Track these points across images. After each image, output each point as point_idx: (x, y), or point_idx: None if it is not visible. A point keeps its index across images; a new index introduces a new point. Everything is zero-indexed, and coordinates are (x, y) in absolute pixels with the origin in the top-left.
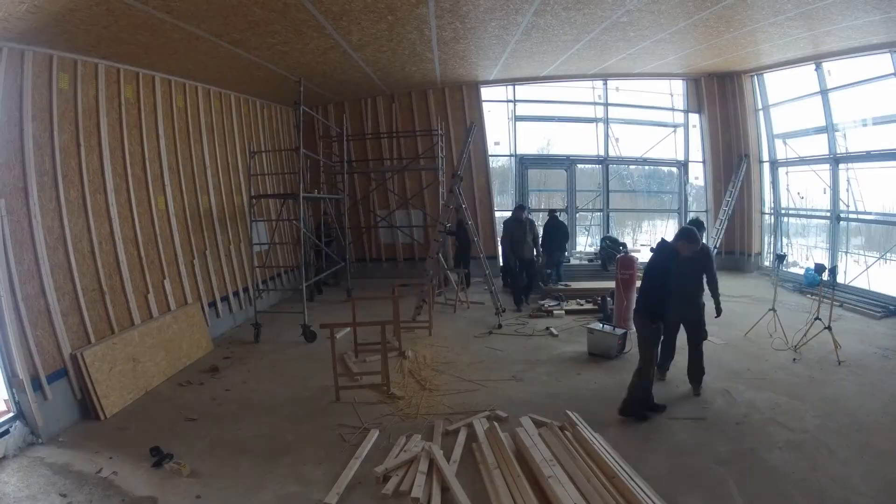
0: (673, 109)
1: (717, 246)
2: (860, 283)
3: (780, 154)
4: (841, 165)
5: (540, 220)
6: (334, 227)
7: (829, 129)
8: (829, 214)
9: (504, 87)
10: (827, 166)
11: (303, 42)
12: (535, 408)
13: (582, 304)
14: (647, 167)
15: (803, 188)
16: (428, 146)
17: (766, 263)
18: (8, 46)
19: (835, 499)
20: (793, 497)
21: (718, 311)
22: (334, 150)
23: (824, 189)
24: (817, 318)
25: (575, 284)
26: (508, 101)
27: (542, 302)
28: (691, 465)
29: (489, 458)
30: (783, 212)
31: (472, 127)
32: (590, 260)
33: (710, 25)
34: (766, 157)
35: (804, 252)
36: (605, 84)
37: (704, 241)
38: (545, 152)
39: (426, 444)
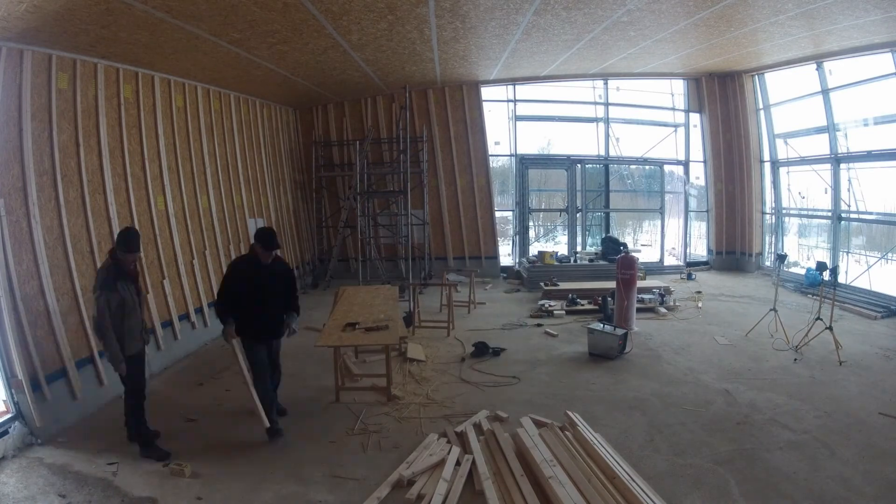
0: (674, 109)
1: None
2: (861, 283)
3: (781, 154)
4: (842, 165)
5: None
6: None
7: (830, 128)
8: (830, 214)
9: (504, 87)
10: (828, 166)
11: (302, 42)
12: (536, 408)
13: (583, 305)
14: (647, 167)
15: (804, 188)
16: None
17: (767, 263)
18: (7, 46)
19: (836, 499)
20: (794, 497)
21: None
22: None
23: (825, 189)
24: (818, 318)
25: (575, 285)
26: (509, 101)
27: (542, 302)
28: (692, 465)
29: (490, 460)
30: (784, 212)
31: None
32: (590, 260)
33: (711, 25)
34: (766, 156)
35: (805, 252)
36: (606, 84)
37: (705, 241)
38: (545, 152)
39: (461, 453)
